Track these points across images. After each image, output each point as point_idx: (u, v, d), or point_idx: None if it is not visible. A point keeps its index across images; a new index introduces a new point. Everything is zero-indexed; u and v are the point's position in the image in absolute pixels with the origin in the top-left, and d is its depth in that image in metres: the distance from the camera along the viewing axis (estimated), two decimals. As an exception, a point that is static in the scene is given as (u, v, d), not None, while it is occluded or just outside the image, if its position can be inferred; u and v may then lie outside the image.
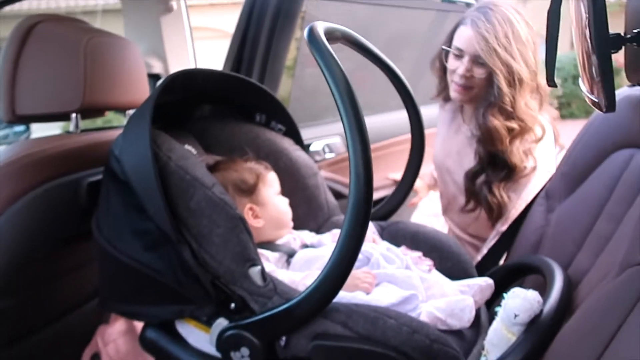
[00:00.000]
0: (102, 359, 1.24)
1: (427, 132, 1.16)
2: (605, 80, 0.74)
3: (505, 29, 1.25)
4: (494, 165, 1.31)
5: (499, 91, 1.26)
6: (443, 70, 1.39)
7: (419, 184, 1.64)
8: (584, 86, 0.87)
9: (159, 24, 1.60)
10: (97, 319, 1.30)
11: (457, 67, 1.31)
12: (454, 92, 1.35)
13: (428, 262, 0.98)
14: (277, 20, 1.60)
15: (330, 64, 0.71)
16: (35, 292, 1.09)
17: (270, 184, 1.05)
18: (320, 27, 0.76)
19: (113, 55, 1.11)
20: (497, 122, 1.28)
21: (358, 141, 0.69)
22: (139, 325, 1.28)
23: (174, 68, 1.64)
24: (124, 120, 1.51)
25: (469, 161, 1.37)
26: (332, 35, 0.83)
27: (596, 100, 0.79)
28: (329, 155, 1.99)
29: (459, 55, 1.31)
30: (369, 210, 0.70)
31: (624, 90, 0.93)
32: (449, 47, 1.34)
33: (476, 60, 1.28)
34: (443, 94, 1.44)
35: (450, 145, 1.45)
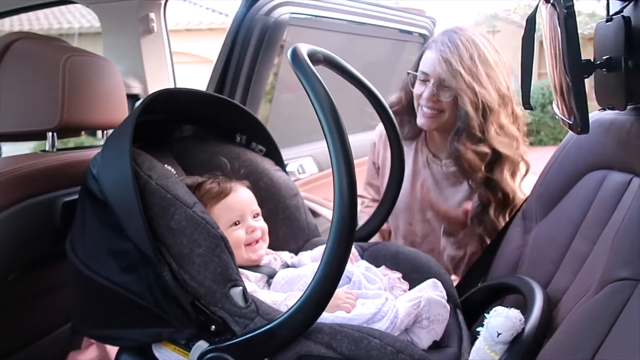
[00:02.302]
0: (72, 387, 1.19)
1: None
2: (579, 103, 0.77)
3: (471, 50, 1.22)
4: (489, 194, 1.26)
5: (465, 115, 1.21)
6: (410, 98, 1.33)
7: None
8: (558, 110, 0.90)
9: (138, 45, 1.60)
10: (67, 346, 1.25)
11: (422, 92, 1.27)
12: (422, 119, 1.29)
13: (404, 287, 0.98)
14: (261, 46, 1.63)
15: (314, 84, 0.72)
16: (5, 316, 1.04)
17: (216, 217, 0.94)
18: (304, 49, 0.78)
19: (92, 75, 1.10)
20: (465, 149, 1.23)
21: (342, 160, 0.69)
22: (111, 351, 1.24)
23: (153, 89, 1.63)
24: (95, 142, 1.48)
25: (453, 194, 1.33)
26: (314, 57, 0.85)
27: (570, 122, 0.82)
28: (302, 176, 2.01)
29: (425, 80, 1.27)
30: (353, 228, 0.70)
31: (595, 114, 0.96)
32: (416, 72, 1.30)
33: (441, 84, 1.24)
34: (408, 129, 1.38)
35: (422, 183, 1.37)
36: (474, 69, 1.21)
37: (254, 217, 1.02)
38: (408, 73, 1.32)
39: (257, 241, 1.00)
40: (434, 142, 1.38)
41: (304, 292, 0.73)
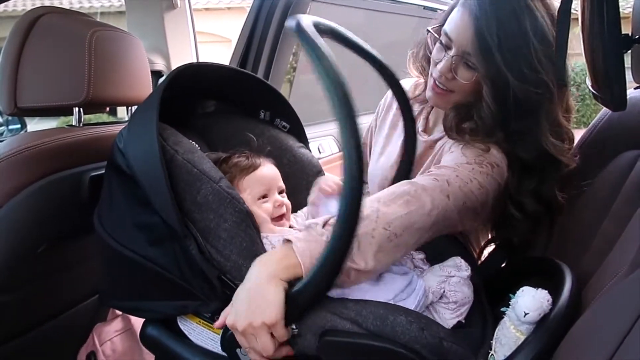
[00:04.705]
0: (97, 357, 1.22)
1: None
2: (617, 78, 0.75)
3: (521, 20, 0.90)
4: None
5: (486, 109, 0.94)
6: (427, 61, 1.08)
7: None
8: (592, 87, 0.88)
9: (162, 21, 1.60)
10: (93, 317, 1.28)
11: (439, 60, 1.00)
12: (429, 91, 1.03)
13: (426, 267, 0.97)
14: (284, 22, 1.61)
15: (320, 54, 0.66)
16: (34, 288, 1.07)
17: (243, 189, 0.97)
18: (307, 19, 0.73)
19: (117, 50, 1.10)
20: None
21: (346, 120, 0.62)
22: (136, 323, 1.26)
23: (176, 65, 1.63)
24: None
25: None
26: (319, 28, 0.79)
27: (606, 99, 0.80)
28: (322, 155, 2.01)
29: (447, 46, 0.99)
30: (360, 188, 0.65)
31: (630, 92, 0.93)
32: (439, 30, 1.01)
33: (464, 59, 0.96)
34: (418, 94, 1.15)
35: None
36: (517, 50, 0.90)
37: (280, 193, 1.02)
38: (428, 30, 1.06)
39: (282, 217, 1.00)
40: (438, 112, 1.13)
41: (319, 258, 0.70)
